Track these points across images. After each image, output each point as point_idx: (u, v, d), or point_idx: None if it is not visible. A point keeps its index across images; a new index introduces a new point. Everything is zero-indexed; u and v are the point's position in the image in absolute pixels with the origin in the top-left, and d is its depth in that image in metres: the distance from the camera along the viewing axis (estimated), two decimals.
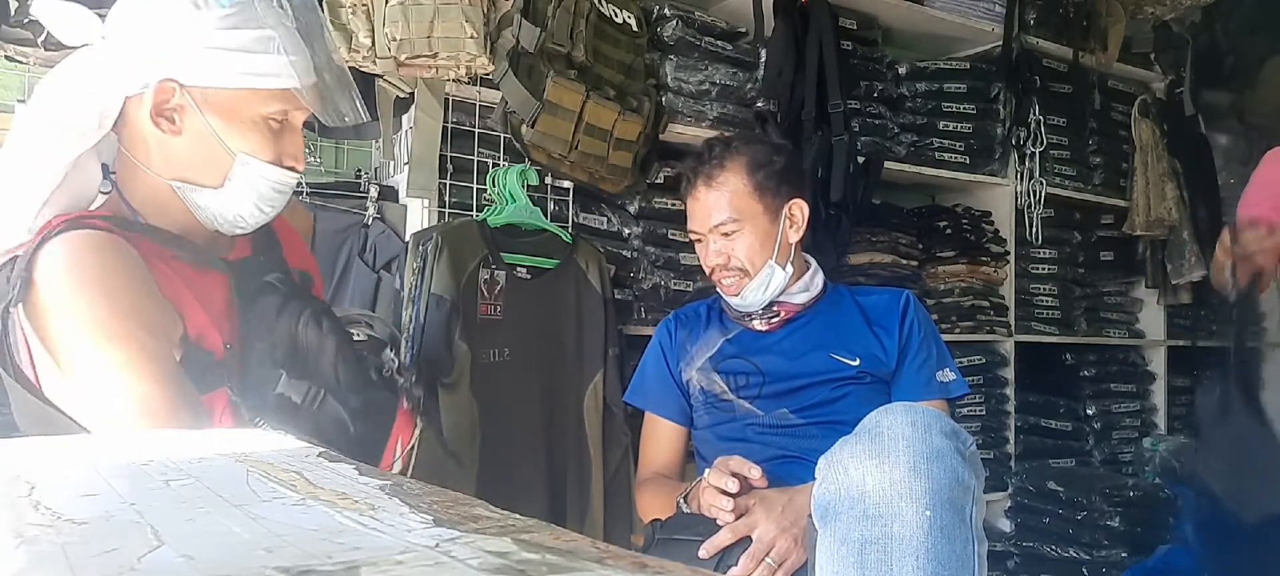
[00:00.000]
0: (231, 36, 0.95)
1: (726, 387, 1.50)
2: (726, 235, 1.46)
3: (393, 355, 1.11)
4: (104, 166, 1.02)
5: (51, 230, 0.91)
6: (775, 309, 1.52)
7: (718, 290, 1.55)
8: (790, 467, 1.38)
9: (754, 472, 1.25)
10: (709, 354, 1.53)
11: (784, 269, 1.48)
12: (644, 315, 1.99)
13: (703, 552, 1.22)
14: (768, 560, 1.20)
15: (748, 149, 1.50)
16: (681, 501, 1.35)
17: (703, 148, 1.55)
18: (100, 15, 0.97)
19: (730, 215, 1.45)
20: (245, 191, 1.00)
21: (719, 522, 1.24)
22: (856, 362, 1.47)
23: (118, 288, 0.89)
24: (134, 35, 0.95)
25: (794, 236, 1.50)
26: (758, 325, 1.52)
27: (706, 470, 1.29)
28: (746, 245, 1.45)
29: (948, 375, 1.51)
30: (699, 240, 1.52)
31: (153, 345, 0.88)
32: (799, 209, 1.50)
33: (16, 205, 0.94)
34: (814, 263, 1.58)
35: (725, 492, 1.23)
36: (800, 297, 1.52)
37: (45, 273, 0.89)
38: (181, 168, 0.98)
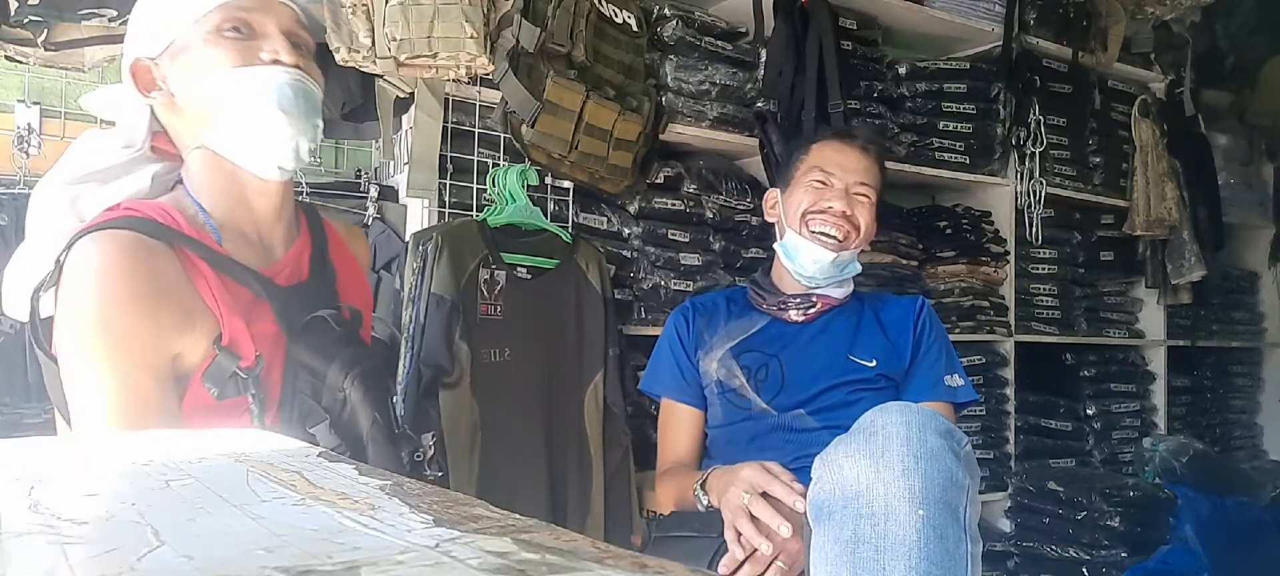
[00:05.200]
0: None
1: (746, 382, 1.49)
2: (858, 195, 1.52)
3: (430, 443, 1.09)
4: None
5: (90, 227, 0.93)
6: (814, 300, 1.53)
7: (790, 234, 1.53)
8: (803, 475, 1.38)
9: (800, 506, 1.14)
10: (731, 343, 1.53)
11: (856, 262, 1.56)
12: (644, 315, 1.99)
13: (722, 569, 1.19)
14: (778, 564, 1.19)
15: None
16: (699, 488, 1.32)
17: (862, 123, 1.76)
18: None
19: (872, 183, 1.54)
20: (238, 107, 0.98)
21: (739, 546, 1.17)
22: (873, 365, 1.49)
23: (124, 296, 0.89)
24: (128, 39, 1.03)
25: (869, 238, 1.57)
26: (794, 315, 1.54)
27: (713, 465, 1.27)
28: (868, 215, 1.53)
29: (956, 381, 1.52)
30: (822, 183, 1.53)
31: (142, 361, 0.89)
32: (877, 220, 1.57)
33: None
34: None
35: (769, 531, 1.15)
36: (838, 293, 1.56)
37: (69, 270, 0.91)
38: (190, 130, 1.01)
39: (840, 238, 1.50)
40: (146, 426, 0.88)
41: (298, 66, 0.99)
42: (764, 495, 1.17)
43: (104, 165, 1.00)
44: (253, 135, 0.98)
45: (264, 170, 1.01)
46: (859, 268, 1.58)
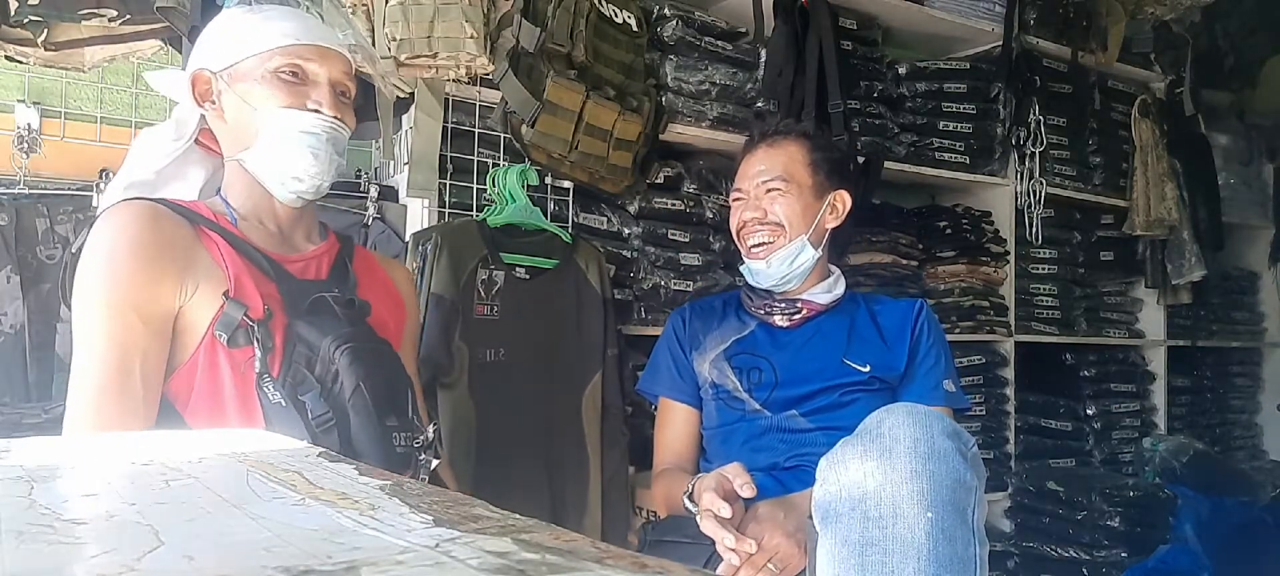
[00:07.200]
0: (246, 19, 1.11)
1: (738, 384, 1.49)
2: (769, 192, 1.51)
3: (428, 458, 1.10)
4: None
5: (120, 199, 1.05)
6: (799, 305, 1.53)
7: (743, 258, 1.55)
8: (797, 475, 1.38)
9: (748, 492, 1.21)
10: (723, 345, 1.53)
11: (815, 250, 1.51)
12: (644, 315, 1.99)
13: (721, 571, 1.20)
14: (769, 566, 1.19)
15: (813, 131, 1.63)
16: (686, 499, 1.34)
17: (773, 117, 1.66)
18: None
19: (780, 174, 1.51)
20: (276, 141, 1.08)
21: (719, 551, 1.20)
22: (867, 369, 1.48)
23: (128, 247, 0.98)
24: (198, 45, 1.15)
25: (831, 223, 1.54)
26: (779, 320, 1.53)
27: (709, 467, 1.28)
28: (787, 206, 1.50)
29: (951, 387, 1.52)
30: (740, 198, 1.56)
31: (135, 304, 0.97)
32: (842, 200, 1.54)
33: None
34: (837, 270, 1.60)
35: (723, 519, 1.18)
36: (824, 298, 1.54)
37: (93, 231, 1.02)
38: (231, 143, 1.11)
39: (768, 240, 1.51)
40: (134, 365, 0.97)
41: (336, 117, 1.10)
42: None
43: (158, 166, 1.13)
44: (282, 167, 1.09)
45: (286, 197, 1.12)
46: (812, 256, 1.51)
